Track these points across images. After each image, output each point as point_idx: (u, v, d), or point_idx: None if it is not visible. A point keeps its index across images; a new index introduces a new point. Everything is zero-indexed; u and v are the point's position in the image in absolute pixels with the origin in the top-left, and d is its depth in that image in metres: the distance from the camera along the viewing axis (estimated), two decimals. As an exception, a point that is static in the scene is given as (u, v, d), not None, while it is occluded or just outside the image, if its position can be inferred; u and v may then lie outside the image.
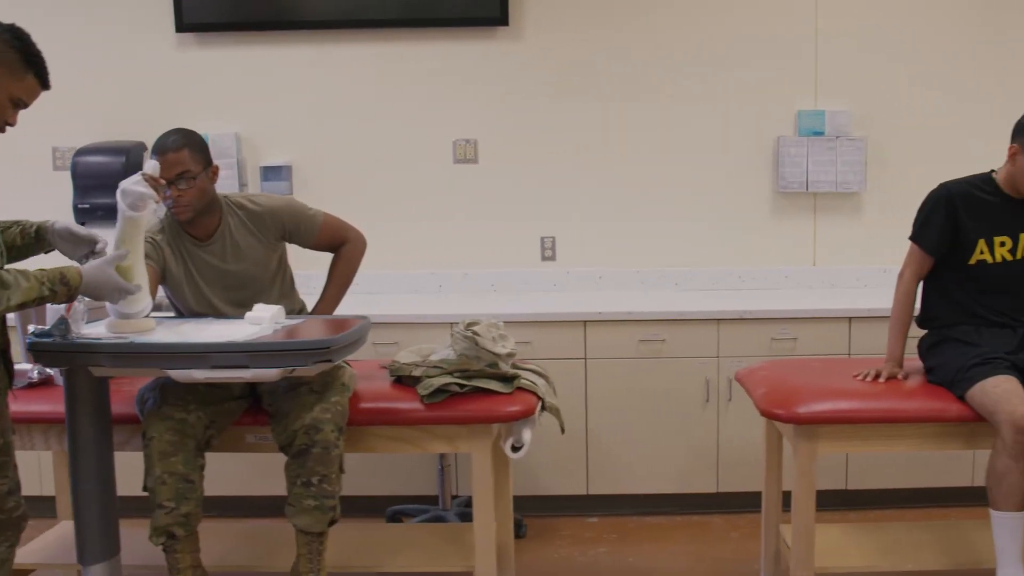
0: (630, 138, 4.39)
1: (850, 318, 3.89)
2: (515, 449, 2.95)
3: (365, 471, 3.95)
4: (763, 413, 2.89)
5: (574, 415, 3.90)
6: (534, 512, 3.96)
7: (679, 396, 3.92)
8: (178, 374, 2.55)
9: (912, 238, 3.06)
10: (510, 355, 2.99)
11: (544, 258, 4.47)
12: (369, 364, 3.32)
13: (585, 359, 3.91)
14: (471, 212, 4.44)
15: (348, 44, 4.35)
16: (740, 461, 3.89)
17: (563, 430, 3.18)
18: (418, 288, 4.46)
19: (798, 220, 4.43)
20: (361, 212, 4.32)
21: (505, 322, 3.79)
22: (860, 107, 4.34)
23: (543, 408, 3.03)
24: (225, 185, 4.32)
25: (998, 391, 2.73)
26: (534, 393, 3.00)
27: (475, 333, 2.94)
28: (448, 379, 2.90)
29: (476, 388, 2.92)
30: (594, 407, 3.93)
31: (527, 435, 2.95)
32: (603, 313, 3.90)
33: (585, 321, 3.89)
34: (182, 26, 4.28)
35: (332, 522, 2.81)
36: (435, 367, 2.95)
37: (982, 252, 2.96)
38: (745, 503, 3.79)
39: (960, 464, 3.93)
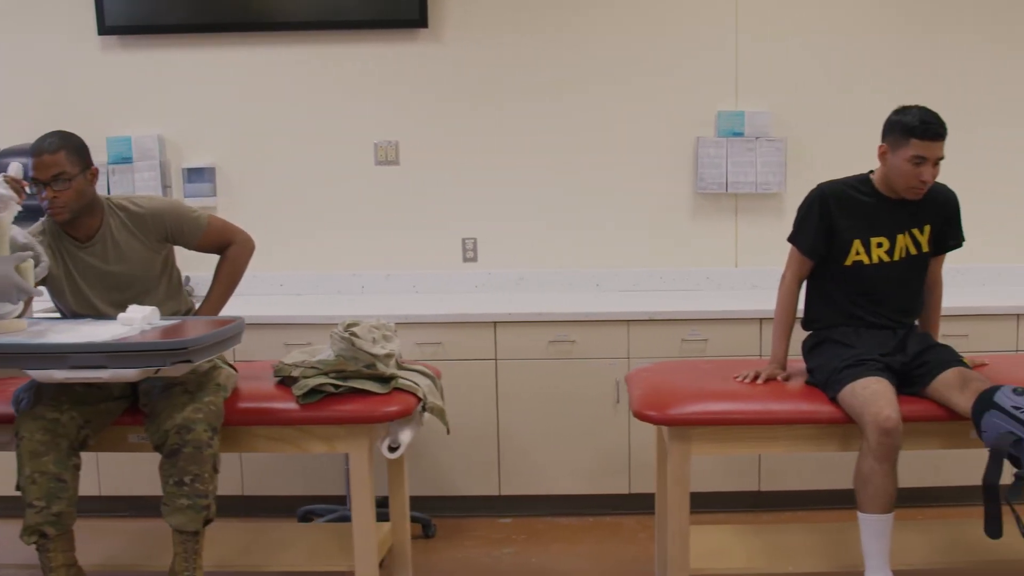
0: (551, 139, 4.39)
1: (761, 319, 3.88)
2: (392, 449, 2.96)
3: (280, 471, 3.98)
4: (636, 415, 2.88)
5: (485, 416, 3.92)
6: (447, 513, 3.97)
7: (589, 397, 3.91)
8: (38, 374, 2.58)
9: (790, 239, 3.05)
10: (388, 356, 3.00)
11: (466, 259, 4.47)
12: (264, 365, 3.33)
13: (496, 360, 3.91)
14: (393, 213, 4.44)
15: (270, 46, 4.37)
16: (652, 462, 3.84)
17: (448, 431, 3.19)
18: (340, 289, 4.47)
19: (719, 221, 4.42)
20: (284, 213, 4.42)
21: (416, 323, 3.85)
22: (780, 108, 4.33)
23: (424, 409, 3.04)
24: (148, 187, 4.37)
25: (866, 393, 2.72)
26: (414, 394, 3.00)
27: (352, 334, 2.94)
28: (323, 379, 2.91)
29: (352, 389, 2.93)
30: (505, 408, 3.93)
31: (404, 435, 2.96)
32: (513, 314, 3.90)
33: (495, 322, 3.90)
34: (104, 28, 4.30)
35: (208, 521, 2.82)
36: (312, 368, 2.96)
37: (858, 253, 2.95)
38: (656, 504, 3.79)
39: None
